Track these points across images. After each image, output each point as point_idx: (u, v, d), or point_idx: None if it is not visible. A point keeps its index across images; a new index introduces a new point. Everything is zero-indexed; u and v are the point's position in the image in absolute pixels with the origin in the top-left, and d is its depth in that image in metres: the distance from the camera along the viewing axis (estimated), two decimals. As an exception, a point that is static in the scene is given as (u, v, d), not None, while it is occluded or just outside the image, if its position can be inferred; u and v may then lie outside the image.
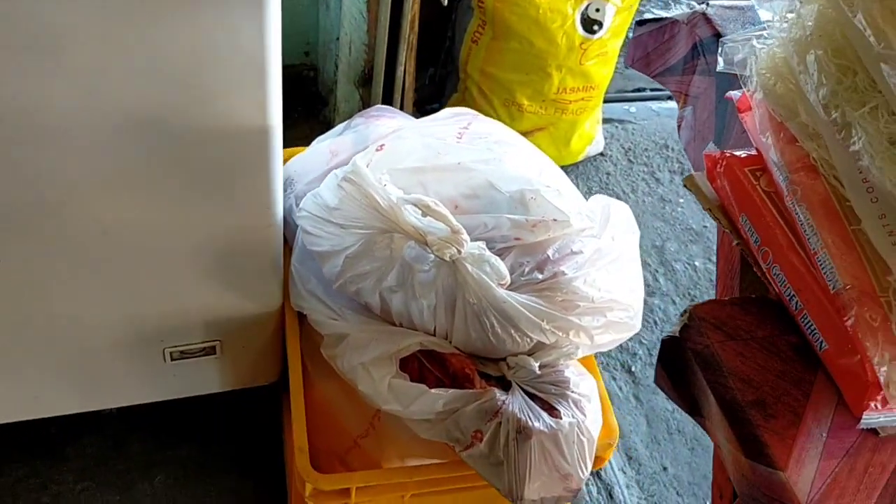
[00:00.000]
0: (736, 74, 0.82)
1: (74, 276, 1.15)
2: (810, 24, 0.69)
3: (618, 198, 2.35)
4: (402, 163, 1.17)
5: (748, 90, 0.78)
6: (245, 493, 1.50)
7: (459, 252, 1.08)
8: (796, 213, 0.72)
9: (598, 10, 1.92)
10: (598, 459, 1.25)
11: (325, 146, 1.44)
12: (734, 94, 0.83)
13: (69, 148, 1.01)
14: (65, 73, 0.93)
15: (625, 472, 1.79)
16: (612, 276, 1.21)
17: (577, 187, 2.36)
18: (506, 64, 2.01)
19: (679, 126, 1.08)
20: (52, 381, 1.30)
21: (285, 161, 1.51)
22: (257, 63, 1.00)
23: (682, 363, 0.74)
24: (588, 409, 1.17)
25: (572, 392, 1.17)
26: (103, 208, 1.08)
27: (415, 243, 1.11)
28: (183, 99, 1.00)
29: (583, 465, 1.13)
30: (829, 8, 0.67)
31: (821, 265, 0.69)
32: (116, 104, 0.98)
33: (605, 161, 2.44)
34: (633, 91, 2.64)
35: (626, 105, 2.62)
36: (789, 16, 0.72)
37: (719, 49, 0.79)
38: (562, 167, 2.30)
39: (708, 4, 1.05)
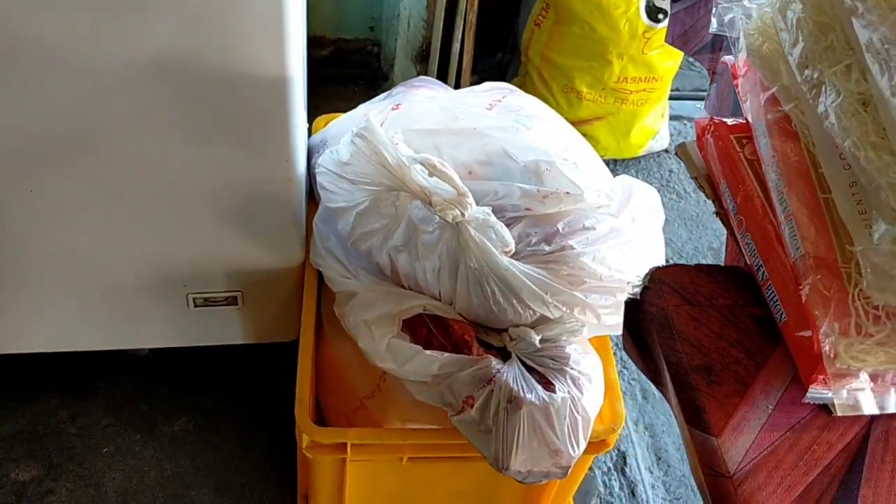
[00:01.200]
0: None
1: (101, 212, 1.20)
2: (792, -22, 0.66)
3: (678, 196, 2.32)
4: (418, 124, 1.17)
5: (736, 52, 0.75)
6: (259, 444, 1.54)
7: (463, 215, 1.08)
8: (770, 179, 0.69)
9: (663, -3, 1.87)
10: (601, 443, 1.23)
11: (361, 110, 1.46)
12: (729, 58, 0.79)
13: (97, 85, 1.05)
14: (92, 12, 0.97)
15: (651, 472, 1.75)
16: (626, 256, 1.18)
17: (637, 182, 2.32)
18: (566, 49, 1.98)
19: (705, 104, 1.05)
20: (80, 316, 1.36)
21: (326, 124, 1.54)
22: (275, 11, 1.01)
23: (642, 327, 0.71)
24: (586, 388, 1.14)
25: (571, 368, 1.14)
26: (129, 146, 1.13)
27: (421, 203, 1.11)
28: (204, 41, 1.03)
29: (574, 443, 1.11)
30: (809, -39, 0.64)
31: (786, 232, 0.66)
32: (141, 43, 1.02)
33: (669, 158, 2.38)
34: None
35: (698, 104, 2.55)
36: (779, -28, 0.69)
37: (713, 10, 0.76)
38: (622, 161, 2.29)
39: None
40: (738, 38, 0.73)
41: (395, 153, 1.10)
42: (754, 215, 0.71)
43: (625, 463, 1.73)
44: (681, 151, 0.83)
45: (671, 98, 2.27)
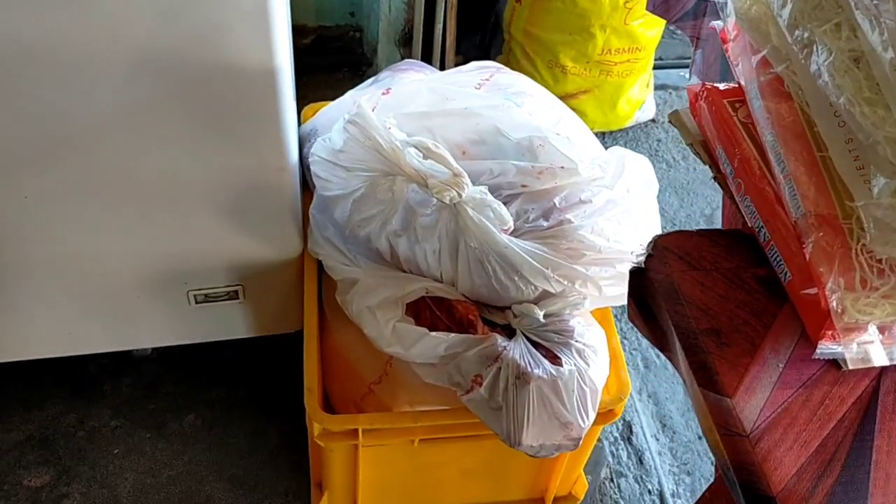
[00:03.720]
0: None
1: (96, 213, 1.20)
2: (780, -62, 0.66)
3: (668, 165, 2.32)
4: (408, 107, 1.17)
5: (725, 17, 0.75)
6: (269, 435, 1.55)
7: (460, 195, 1.08)
8: (766, 141, 0.69)
9: (643, -33, 1.87)
10: (609, 414, 1.24)
11: (349, 97, 1.46)
12: (717, 23, 0.80)
13: (86, 85, 1.05)
14: (79, 12, 0.97)
15: (657, 440, 1.77)
16: (623, 227, 1.19)
17: (625, 153, 2.33)
18: (548, 23, 1.98)
19: (690, 70, 1.05)
20: (84, 319, 1.36)
21: (315, 113, 1.54)
22: (261, 2, 1.01)
23: (648, 295, 0.72)
24: (592, 360, 1.16)
25: (576, 341, 1.16)
26: (121, 146, 1.12)
27: (417, 186, 1.11)
28: (191, 38, 1.03)
29: (584, 414, 1.12)
30: (796, -80, 0.64)
31: (786, 192, 0.66)
32: (128, 43, 1.01)
33: (657, 128, 2.38)
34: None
35: (682, 72, 2.55)
36: (765, -67, 0.70)
37: (691, -15, 0.76)
38: (610, 133, 2.29)
39: (721, -58, 1.01)
40: (726, 3, 0.74)
41: (389, 138, 1.10)
42: (752, 177, 0.72)
43: (631, 432, 1.75)
44: (674, 118, 0.84)
45: (655, 67, 2.28)
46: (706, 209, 2.21)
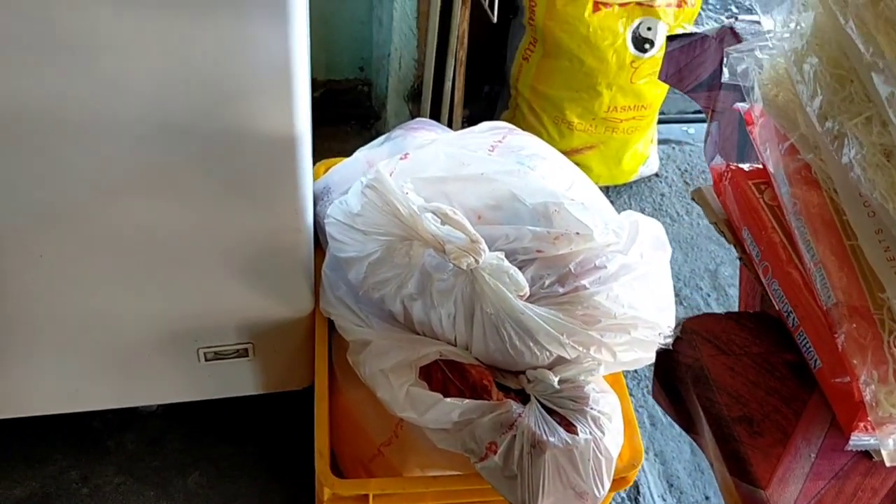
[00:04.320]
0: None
1: (110, 272, 1.20)
2: (808, 32, 0.67)
3: (671, 220, 2.34)
4: (426, 172, 1.18)
5: (751, 101, 0.76)
6: (275, 495, 1.53)
7: (477, 261, 1.09)
8: (794, 226, 0.70)
9: (649, 28, 1.90)
10: (621, 480, 1.23)
11: (362, 156, 1.47)
12: (742, 105, 0.81)
13: (106, 149, 1.05)
14: (100, 76, 0.98)
15: (664, 500, 1.75)
16: (637, 292, 1.19)
17: (630, 208, 2.35)
18: (556, 81, 2.00)
19: (706, 141, 1.07)
20: (92, 376, 1.35)
21: (326, 170, 1.55)
22: (283, 70, 1.02)
23: (676, 377, 0.72)
24: (607, 427, 1.15)
25: (591, 409, 1.15)
26: (138, 206, 1.13)
27: (434, 251, 1.11)
28: (212, 104, 1.04)
29: (599, 484, 1.11)
30: (824, 16, 0.65)
31: (815, 280, 0.67)
32: (148, 107, 1.02)
33: (660, 182, 2.40)
34: (694, 112, 2.60)
35: (684, 126, 2.58)
36: (790, 24, 0.71)
37: (724, 60, 0.77)
38: (614, 187, 2.31)
39: (736, 19, 1.03)
40: (753, 88, 0.75)
41: (407, 203, 1.11)
42: (780, 262, 0.72)
43: (638, 492, 1.74)
44: (697, 196, 0.84)
45: (658, 122, 2.30)
46: (710, 264, 2.22)
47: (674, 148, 2.51)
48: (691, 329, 0.71)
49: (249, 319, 1.34)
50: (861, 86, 0.63)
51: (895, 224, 0.59)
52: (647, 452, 1.81)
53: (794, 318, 0.70)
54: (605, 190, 2.31)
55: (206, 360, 1.38)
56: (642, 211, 2.33)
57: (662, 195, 2.37)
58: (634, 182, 2.35)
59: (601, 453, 1.11)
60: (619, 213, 1.29)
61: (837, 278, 0.65)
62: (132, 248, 1.18)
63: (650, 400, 1.90)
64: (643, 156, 2.24)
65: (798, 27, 0.69)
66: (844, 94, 0.64)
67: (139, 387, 1.40)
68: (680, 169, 2.46)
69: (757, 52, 0.75)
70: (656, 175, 2.39)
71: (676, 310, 2.14)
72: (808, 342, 0.68)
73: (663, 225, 2.38)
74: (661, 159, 2.40)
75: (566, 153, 2.11)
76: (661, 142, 2.44)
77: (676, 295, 2.12)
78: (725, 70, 0.77)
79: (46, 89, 0.98)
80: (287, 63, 1.02)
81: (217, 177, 1.12)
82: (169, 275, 1.23)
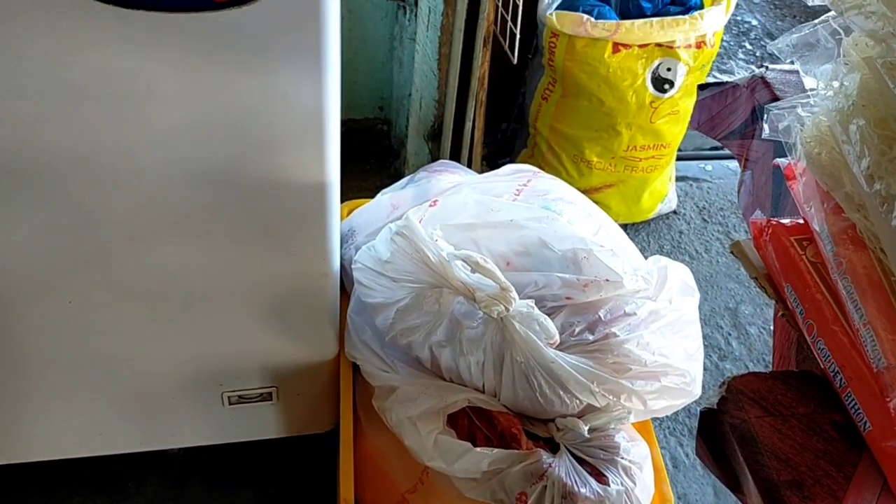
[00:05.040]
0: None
1: (138, 316, 1.20)
2: (853, 93, 0.67)
3: (690, 257, 2.33)
4: (455, 219, 1.18)
5: (793, 158, 0.76)
6: (296, 540, 1.52)
7: (507, 310, 1.08)
8: (841, 286, 0.69)
9: (669, 69, 1.91)
10: (650, 529, 1.22)
11: (386, 199, 1.47)
12: (782, 161, 0.81)
13: (137, 195, 1.06)
14: (133, 124, 0.99)
15: (689, 543, 1.73)
16: (667, 339, 1.18)
17: (649, 245, 2.34)
18: (575, 121, 2.01)
19: (739, 190, 1.06)
20: (116, 419, 1.35)
21: (349, 212, 1.55)
22: (316, 121, 1.03)
23: (721, 437, 0.71)
24: (638, 477, 1.14)
25: (622, 458, 1.14)
26: (167, 253, 1.13)
27: (464, 299, 1.11)
28: (244, 152, 1.04)
29: (630, 535, 1.10)
30: (871, 78, 0.65)
31: (865, 341, 0.66)
32: (180, 154, 1.03)
33: (679, 220, 2.40)
34: (710, 149, 2.61)
35: (702, 163, 2.59)
36: (834, 84, 0.71)
37: (765, 116, 0.77)
38: (633, 224, 2.31)
39: (767, 69, 1.03)
40: (795, 145, 0.75)
41: (437, 250, 1.10)
42: (825, 321, 0.71)
43: (662, 536, 1.71)
44: (736, 250, 0.84)
45: (675, 159, 2.31)
46: (730, 303, 2.21)
47: (691, 185, 2.52)
48: (737, 389, 0.70)
49: (274, 363, 1.34)
50: (909, 148, 0.63)
51: (947, 289, 0.59)
52: (680, 500, 1.79)
53: (841, 379, 0.69)
54: (624, 227, 2.30)
55: (230, 403, 1.37)
56: (661, 248, 2.32)
57: (681, 233, 2.37)
58: (653, 220, 2.35)
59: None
60: (638, 251, 1.29)
61: (888, 340, 0.64)
62: (160, 293, 1.18)
63: (672, 441, 1.88)
64: (662, 193, 2.24)
65: (843, 87, 0.69)
66: (893, 156, 0.64)
67: (163, 430, 1.40)
68: (698, 206, 2.46)
69: (799, 110, 0.75)
70: (674, 212, 2.39)
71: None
72: (856, 403, 0.68)
73: (682, 263, 2.37)
74: (679, 197, 2.40)
75: (585, 192, 2.11)
76: (678, 179, 2.44)
77: (696, 334, 2.11)
78: (766, 126, 0.77)
79: (80, 137, 0.99)
80: (320, 114, 1.03)
81: (247, 223, 1.13)
82: (195, 319, 1.23)
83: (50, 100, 0.94)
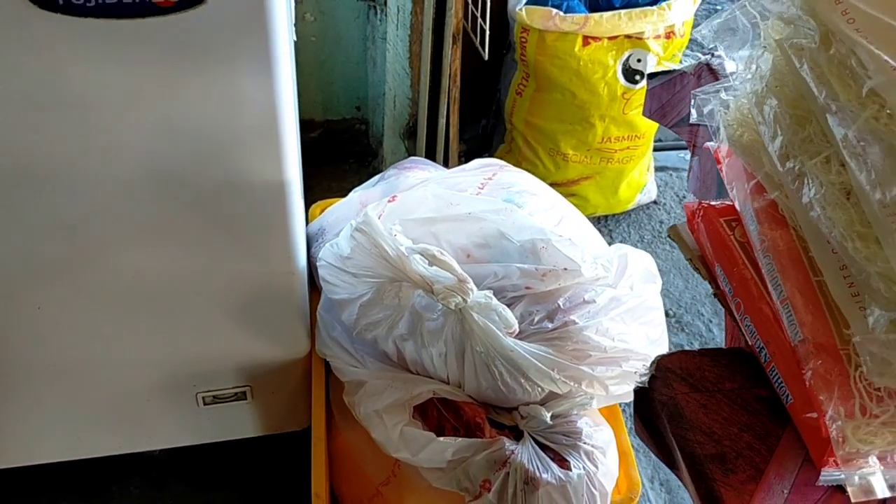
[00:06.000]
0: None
1: (108, 322, 1.22)
2: (767, 75, 0.69)
3: (671, 247, 2.34)
4: (414, 213, 1.20)
5: (718, 141, 0.78)
6: (277, 536, 1.53)
7: (465, 301, 1.10)
8: (763, 264, 0.71)
9: (639, 60, 1.92)
10: (618, 514, 1.23)
11: (356, 197, 1.49)
12: (712, 144, 0.82)
13: (101, 201, 1.08)
14: (94, 132, 1.01)
15: (672, 531, 1.74)
16: (628, 325, 1.20)
17: (629, 236, 2.36)
18: (549, 115, 2.03)
19: (688, 176, 1.08)
20: (93, 423, 1.37)
21: (322, 212, 1.57)
22: (271, 121, 1.05)
23: (654, 415, 0.73)
24: (601, 462, 1.15)
25: (585, 443, 1.16)
26: (132, 257, 1.15)
27: (423, 292, 1.13)
28: (203, 155, 1.06)
29: (594, 519, 1.11)
30: (782, 60, 0.67)
31: (784, 317, 0.68)
32: (141, 160, 1.05)
33: (659, 209, 2.41)
34: (690, 139, 2.62)
35: (681, 153, 2.60)
36: (752, 67, 0.72)
37: (692, 101, 0.79)
38: (613, 216, 2.32)
39: (713, 55, 1.05)
40: (719, 128, 0.77)
41: (395, 245, 1.12)
42: (751, 298, 0.73)
43: (644, 522, 1.72)
44: (673, 234, 0.86)
45: (655, 150, 2.32)
46: (711, 290, 2.22)
47: (671, 175, 2.53)
48: (665, 367, 0.71)
49: (246, 362, 1.35)
50: (819, 126, 0.64)
51: (854, 263, 0.60)
52: (652, 482, 1.80)
53: (766, 354, 0.71)
54: (605, 219, 2.32)
55: (205, 403, 1.39)
56: (642, 238, 2.34)
57: (661, 222, 2.38)
58: (633, 210, 2.36)
59: (595, 488, 1.12)
60: (618, 241, 1.30)
61: (804, 315, 0.66)
62: (129, 297, 1.20)
63: (653, 429, 1.89)
64: (640, 184, 2.26)
65: (758, 69, 0.71)
66: (804, 135, 0.65)
67: (140, 432, 1.42)
68: (678, 196, 2.47)
69: (722, 94, 0.77)
70: (655, 202, 2.40)
71: (679, 337, 2.13)
72: (779, 377, 0.69)
73: (663, 252, 2.38)
74: (658, 186, 2.41)
75: (563, 184, 2.14)
76: (658, 169, 2.45)
77: (678, 322, 2.12)
78: (693, 111, 0.79)
79: (42, 146, 1.01)
80: (274, 114, 1.04)
81: (210, 224, 1.15)
82: (166, 321, 1.25)
83: (8, 111, 0.96)
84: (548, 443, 1.16)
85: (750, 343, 0.74)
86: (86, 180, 1.06)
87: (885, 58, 0.56)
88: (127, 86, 0.98)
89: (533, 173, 1.44)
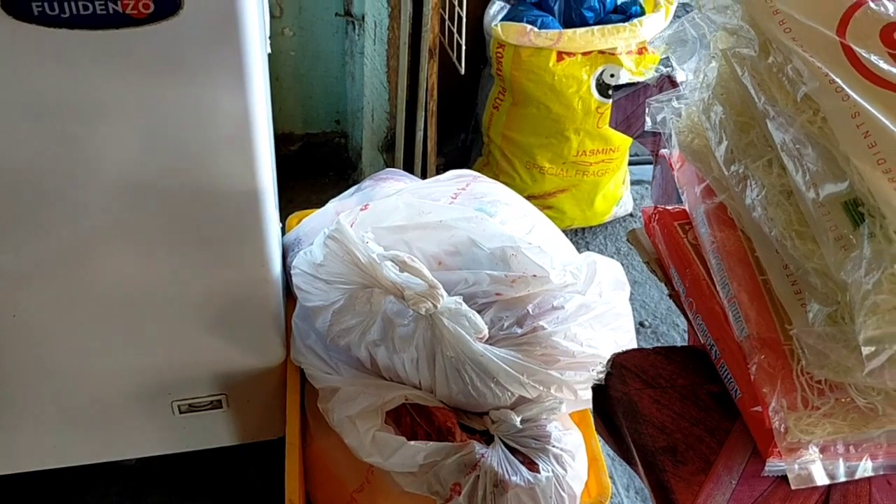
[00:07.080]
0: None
1: (83, 330, 1.23)
2: (713, 83, 0.72)
3: (647, 258, 2.38)
4: (386, 221, 1.22)
5: (671, 147, 0.81)
6: (254, 544, 1.54)
7: (435, 306, 1.12)
8: (713, 264, 0.74)
9: (612, 75, 1.96)
10: (589, 517, 1.25)
11: (332, 207, 1.51)
12: (665, 151, 0.85)
13: (75, 209, 1.10)
14: (71, 140, 1.02)
15: (646, 537, 1.75)
16: (596, 331, 1.22)
17: (606, 248, 2.39)
18: (525, 128, 2.06)
19: (651, 184, 1.11)
20: (68, 432, 1.37)
21: (299, 222, 1.59)
22: (244, 131, 1.07)
23: (611, 411, 0.75)
24: (570, 465, 1.17)
25: (553, 447, 1.18)
26: (108, 265, 1.16)
27: (394, 298, 1.15)
28: (178, 164, 1.08)
29: (563, 521, 1.13)
30: (726, 68, 0.70)
31: (732, 314, 0.70)
32: (118, 168, 1.07)
33: (635, 222, 2.45)
34: (666, 152, 2.66)
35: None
36: (700, 76, 0.76)
37: (646, 109, 0.82)
38: (590, 228, 2.36)
39: (674, 68, 1.08)
40: (671, 135, 0.79)
41: (366, 252, 1.14)
42: (702, 297, 0.76)
43: (619, 529, 1.74)
44: (631, 238, 0.88)
45: (630, 164, 2.36)
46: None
47: (647, 188, 2.56)
48: (621, 364, 0.74)
49: (222, 371, 1.37)
50: (761, 131, 0.67)
51: (792, 260, 0.63)
52: (628, 490, 1.82)
53: (716, 351, 0.74)
54: (581, 231, 2.35)
55: (181, 412, 1.40)
56: (618, 251, 2.37)
57: (637, 235, 2.41)
58: (609, 223, 2.40)
59: (563, 490, 1.14)
60: (574, 249, 1.32)
61: (749, 311, 0.68)
62: (105, 305, 1.21)
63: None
64: (616, 197, 2.29)
65: (705, 78, 0.74)
66: (748, 140, 0.69)
67: (116, 441, 1.43)
68: (654, 208, 2.50)
69: (674, 102, 0.80)
70: (630, 215, 2.44)
71: (654, 347, 2.15)
72: (728, 373, 0.72)
73: (639, 263, 2.41)
74: (634, 199, 2.45)
75: (539, 197, 2.17)
76: (634, 182, 2.49)
77: (654, 332, 2.15)
78: (647, 119, 0.82)
79: (16, 156, 1.03)
80: (247, 124, 1.07)
81: (186, 233, 1.16)
82: (141, 329, 1.26)
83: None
84: (517, 446, 1.18)
85: (702, 341, 0.76)
86: (61, 190, 1.07)
87: (818, 64, 0.59)
88: (102, 96, 1.00)
89: (510, 186, 1.47)
